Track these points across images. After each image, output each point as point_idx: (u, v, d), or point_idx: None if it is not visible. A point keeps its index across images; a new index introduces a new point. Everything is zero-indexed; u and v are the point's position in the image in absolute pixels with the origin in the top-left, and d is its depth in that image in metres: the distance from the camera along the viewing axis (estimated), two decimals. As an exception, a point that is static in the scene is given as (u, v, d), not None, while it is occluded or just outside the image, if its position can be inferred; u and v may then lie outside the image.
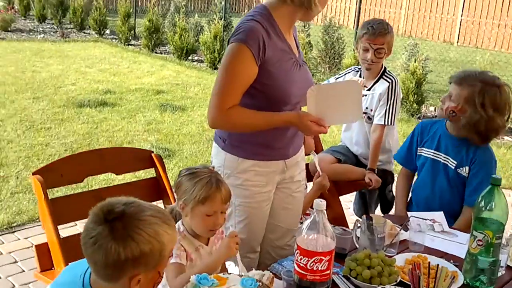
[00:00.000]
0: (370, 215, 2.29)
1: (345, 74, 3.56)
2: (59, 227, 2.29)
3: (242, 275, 1.78)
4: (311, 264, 1.78)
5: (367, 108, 3.44)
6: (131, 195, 2.59)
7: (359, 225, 2.29)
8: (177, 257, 2.08)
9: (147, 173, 3.19)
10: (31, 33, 12.89)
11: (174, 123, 6.92)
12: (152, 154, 2.69)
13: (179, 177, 2.14)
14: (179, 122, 6.98)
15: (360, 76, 3.46)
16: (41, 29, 13.71)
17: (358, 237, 2.27)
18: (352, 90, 2.35)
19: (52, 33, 13.25)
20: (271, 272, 2.04)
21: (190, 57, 11.37)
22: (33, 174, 2.32)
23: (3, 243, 3.82)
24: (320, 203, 1.82)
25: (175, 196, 2.18)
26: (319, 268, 1.78)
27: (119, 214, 1.47)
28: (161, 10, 13.57)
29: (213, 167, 2.18)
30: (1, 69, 8.84)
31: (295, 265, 1.85)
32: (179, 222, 2.19)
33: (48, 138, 5.93)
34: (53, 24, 14.39)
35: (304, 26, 10.66)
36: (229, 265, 2.34)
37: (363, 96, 3.40)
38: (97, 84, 8.50)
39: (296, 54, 2.40)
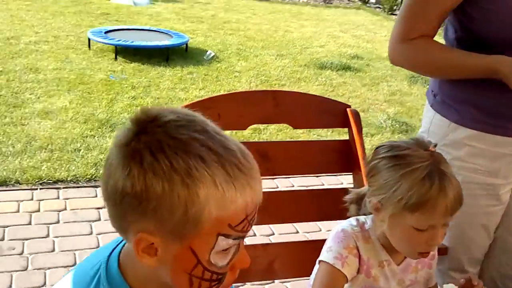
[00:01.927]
0: None
1: None
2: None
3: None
4: None
5: None
6: (309, 158, 1.92)
7: None
8: (338, 259, 1.33)
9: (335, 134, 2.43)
10: (296, -3, 12.87)
11: (422, 97, 5.96)
12: (348, 110, 1.92)
13: (376, 157, 1.33)
14: (427, 97, 6.01)
15: None
16: (307, -6, 13.64)
17: None
18: None
19: (316, -2, 13.06)
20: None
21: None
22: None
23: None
24: None
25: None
26: None
27: (160, 124, 0.83)
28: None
29: (435, 146, 1.31)
30: (256, 26, 8.79)
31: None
32: (366, 217, 1.42)
33: (279, 95, 5.54)
34: (320, -10, 14.23)
35: None
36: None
37: None
38: (346, 48, 7.88)
39: None
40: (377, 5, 12.48)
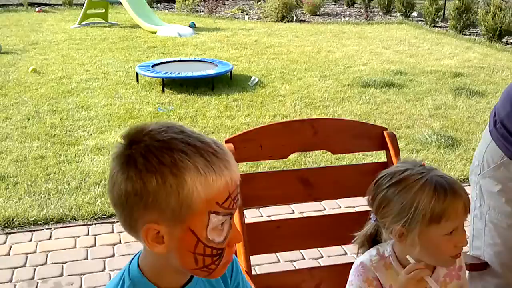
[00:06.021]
0: None
1: None
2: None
3: None
4: None
5: None
6: (348, 182, 1.96)
7: None
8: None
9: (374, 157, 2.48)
10: (337, 17, 12.93)
11: (467, 110, 5.91)
12: (385, 132, 1.97)
13: (381, 188, 1.42)
14: (474, 109, 5.94)
15: None
16: (347, 13, 13.69)
17: None
18: None
19: (357, 16, 13.09)
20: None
21: (504, 39, 9.88)
22: (226, 142, 1.86)
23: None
24: None
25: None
26: None
27: (146, 133, 1.01)
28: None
29: (423, 162, 1.43)
30: (298, 49, 8.91)
31: None
32: (386, 244, 1.48)
33: (323, 115, 5.60)
34: (360, 8, 14.24)
35: None
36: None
37: None
38: (389, 64, 7.88)
39: None
40: (419, 18, 12.41)
